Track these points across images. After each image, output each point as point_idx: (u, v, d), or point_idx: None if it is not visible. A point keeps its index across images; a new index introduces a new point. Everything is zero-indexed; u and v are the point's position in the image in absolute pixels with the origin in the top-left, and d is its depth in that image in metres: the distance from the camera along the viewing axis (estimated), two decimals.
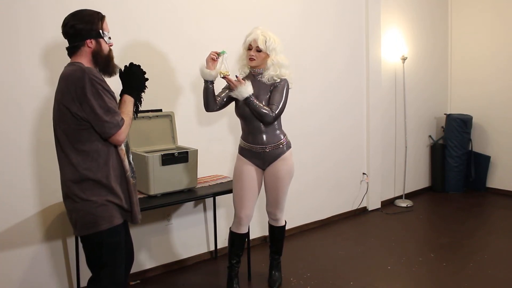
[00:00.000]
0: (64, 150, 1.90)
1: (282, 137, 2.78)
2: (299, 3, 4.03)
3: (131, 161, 2.09)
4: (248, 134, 2.76)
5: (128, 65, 2.10)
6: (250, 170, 2.77)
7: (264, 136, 2.72)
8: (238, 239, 2.88)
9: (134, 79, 2.08)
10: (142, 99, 2.13)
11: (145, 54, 3.10)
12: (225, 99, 2.73)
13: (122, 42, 2.95)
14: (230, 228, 2.91)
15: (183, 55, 3.28)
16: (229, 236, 2.91)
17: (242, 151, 2.81)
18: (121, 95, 2.07)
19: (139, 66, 2.11)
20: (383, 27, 4.77)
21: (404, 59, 4.90)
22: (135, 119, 2.11)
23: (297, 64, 3.95)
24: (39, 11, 2.64)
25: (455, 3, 5.67)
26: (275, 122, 2.73)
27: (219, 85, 2.77)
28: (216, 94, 2.72)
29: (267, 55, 2.66)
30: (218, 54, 2.65)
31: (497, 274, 3.16)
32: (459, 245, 3.74)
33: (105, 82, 1.89)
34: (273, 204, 2.90)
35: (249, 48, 2.68)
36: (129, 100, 2.04)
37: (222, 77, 2.61)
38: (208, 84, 2.67)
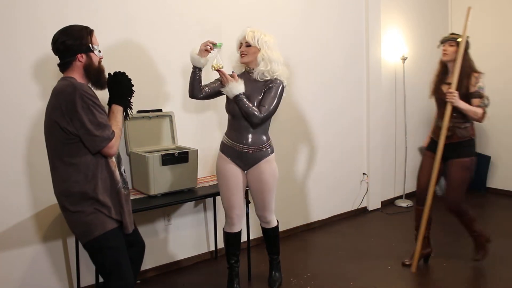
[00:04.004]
0: (54, 163, 1.94)
1: (266, 140, 2.72)
2: (300, 2, 4.03)
3: (123, 173, 2.10)
4: (233, 131, 2.70)
5: (112, 74, 2.10)
6: (234, 169, 2.73)
7: (249, 137, 2.67)
8: (233, 238, 2.86)
9: (121, 86, 2.08)
10: (131, 104, 2.14)
11: (145, 54, 3.10)
12: (213, 90, 2.70)
13: (122, 44, 2.95)
14: (223, 229, 2.89)
15: (183, 55, 3.27)
16: (224, 236, 2.89)
17: (224, 148, 2.76)
18: (109, 104, 2.08)
19: (123, 73, 2.11)
20: (383, 27, 4.77)
21: (404, 59, 4.90)
22: (126, 121, 2.11)
23: (297, 64, 3.96)
24: (38, 15, 2.64)
25: (455, 3, 5.67)
26: (263, 125, 2.68)
27: (209, 78, 2.73)
28: (207, 83, 2.70)
29: (258, 49, 2.62)
30: (215, 45, 2.61)
31: (497, 274, 3.16)
32: (459, 245, 3.73)
33: (96, 97, 1.90)
34: (261, 208, 2.85)
35: (240, 46, 2.67)
36: (117, 110, 2.05)
37: (216, 70, 2.54)
38: (196, 70, 2.64)
